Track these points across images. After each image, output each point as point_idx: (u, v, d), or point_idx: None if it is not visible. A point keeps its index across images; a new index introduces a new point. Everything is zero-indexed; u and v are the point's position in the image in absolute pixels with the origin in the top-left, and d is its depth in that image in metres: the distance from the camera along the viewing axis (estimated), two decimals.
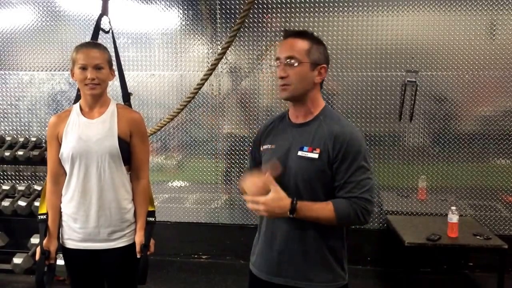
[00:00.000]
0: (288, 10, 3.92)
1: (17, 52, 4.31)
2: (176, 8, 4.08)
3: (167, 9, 4.09)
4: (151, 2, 4.10)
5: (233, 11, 3.99)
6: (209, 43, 4.10)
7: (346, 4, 3.86)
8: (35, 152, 4.05)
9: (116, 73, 2.39)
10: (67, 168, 2.12)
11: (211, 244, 4.29)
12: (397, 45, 3.87)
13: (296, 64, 1.67)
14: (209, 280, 3.86)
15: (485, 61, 3.80)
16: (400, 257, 3.61)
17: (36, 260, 2.18)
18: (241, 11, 3.68)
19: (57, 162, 2.14)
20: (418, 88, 3.86)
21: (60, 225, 2.18)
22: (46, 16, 4.22)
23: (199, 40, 4.11)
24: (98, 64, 2.07)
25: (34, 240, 3.78)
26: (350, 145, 1.65)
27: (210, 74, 3.77)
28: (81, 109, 2.16)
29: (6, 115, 4.39)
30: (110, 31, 2.81)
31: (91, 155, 2.07)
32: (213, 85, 4.13)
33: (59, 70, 4.28)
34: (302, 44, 1.69)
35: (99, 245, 2.14)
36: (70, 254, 2.18)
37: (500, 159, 3.89)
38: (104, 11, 2.94)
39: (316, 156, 1.66)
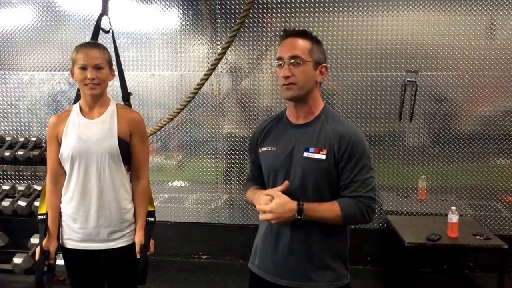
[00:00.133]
0: (288, 10, 3.92)
1: (17, 52, 4.31)
2: (176, 8, 4.08)
3: (167, 9, 4.09)
4: (151, 2, 4.10)
5: (233, 11, 3.99)
6: (209, 43, 4.10)
7: (346, 4, 3.86)
8: (35, 152, 4.05)
9: (116, 73, 2.39)
10: (66, 168, 2.12)
11: (211, 244, 4.29)
12: (397, 45, 3.87)
13: (301, 64, 1.68)
14: (209, 280, 3.86)
15: (485, 61, 3.80)
16: (400, 257, 3.61)
17: (36, 260, 2.18)
18: (241, 11, 3.68)
19: (57, 162, 2.14)
20: (418, 88, 3.86)
21: (60, 225, 2.18)
22: (46, 16, 4.22)
23: (199, 40, 4.11)
24: (98, 64, 2.07)
25: (34, 240, 3.78)
26: (355, 145, 1.67)
27: (210, 74, 3.77)
28: (81, 109, 2.16)
29: (6, 115, 4.39)
30: (110, 31, 2.81)
31: (91, 155, 2.07)
32: (213, 85, 4.13)
33: (59, 70, 4.28)
34: (304, 44, 1.70)
35: (99, 245, 2.14)
36: (69, 254, 2.18)
37: (500, 159, 3.89)
38: (104, 11, 2.94)
39: (323, 157, 1.67)
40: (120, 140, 2.11)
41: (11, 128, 4.39)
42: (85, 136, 2.09)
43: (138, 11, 4.11)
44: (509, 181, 3.91)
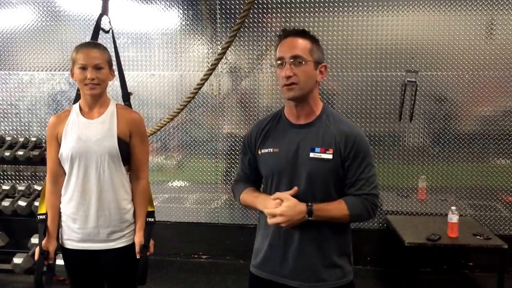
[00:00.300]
0: (288, 10, 3.92)
1: (17, 52, 4.31)
2: (176, 8, 4.08)
3: (167, 9, 4.09)
4: (151, 2, 4.10)
5: (233, 11, 3.99)
6: (209, 43, 4.10)
7: (346, 4, 3.86)
8: (35, 152, 4.06)
9: (116, 73, 2.39)
10: (66, 168, 2.12)
11: (211, 244, 4.29)
12: (397, 45, 3.87)
13: (302, 63, 1.67)
14: (209, 280, 3.86)
15: (485, 61, 3.80)
16: (400, 257, 3.61)
17: (35, 260, 2.18)
18: (241, 11, 3.68)
19: (56, 162, 2.14)
20: (418, 88, 3.86)
21: (59, 225, 2.18)
22: (46, 16, 4.22)
23: (199, 40, 4.11)
24: (98, 64, 2.07)
25: (34, 240, 3.78)
26: (360, 144, 1.71)
27: (210, 74, 3.77)
28: (80, 109, 2.16)
29: (6, 115, 4.39)
30: (110, 31, 2.80)
31: (91, 156, 2.07)
32: (213, 85, 4.13)
33: (59, 70, 4.28)
34: (304, 43, 1.70)
35: (99, 245, 2.14)
36: (69, 254, 2.18)
37: (500, 159, 3.89)
38: (104, 11, 2.94)
39: (330, 156, 1.68)
40: (120, 140, 2.11)
41: (11, 128, 4.39)
42: (85, 136, 2.09)
43: (138, 11, 4.11)
44: (509, 181, 3.91)
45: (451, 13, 3.78)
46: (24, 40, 4.28)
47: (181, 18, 4.09)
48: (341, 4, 3.87)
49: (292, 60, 1.67)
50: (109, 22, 2.86)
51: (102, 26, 2.87)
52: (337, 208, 1.68)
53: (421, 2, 3.79)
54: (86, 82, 2.06)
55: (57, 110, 4.24)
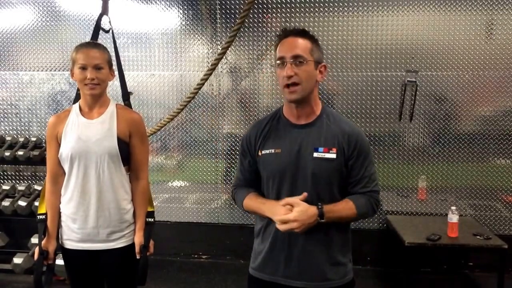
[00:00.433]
0: (288, 10, 3.92)
1: (17, 52, 4.31)
2: (176, 8, 4.08)
3: (167, 9, 4.09)
4: (151, 2, 4.10)
5: (233, 11, 3.99)
6: (209, 43, 4.10)
7: (346, 4, 3.86)
8: (35, 152, 4.06)
9: (116, 73, 2.38)
10: (66, 168, 2.11)
11: (211, 244, 4.29)
12: (397, 45, 3.87)
13: (303, 63, 1.67)
14: (209, 280, 3.86)
15: (485, 61, 3.80)
16: (400, 257, 3.61)
17: (35, 260, 2.18)
18: (241, 11, 3.68)
19: (56, 162, 2.13)
20: (418, 88, 3.86)
21: (59, 225, 2.18)
22: (46, 16, 4.22)
23: (199, 40, 4.11)
24: (97, 64, 2.07)
25: (34, 240, 3.78)
26: (362, 143, 1.74)
27: (210, 74, 3.77)
28: (80, 109, 2.16)
29: (6, 115, 4.39)
30: (110, 30, 2.80)
31: (90, 156, 2.07)
32: (213, 85, 4.13)
33: (59, 70, 4.28)
34: (305, 43, 1.70)
35: (98, 245, 2.13)
36: (69, 254, 2.18)
37: (500, 159, 3.88)
38: (105, 11, 2.94)
39: (334, 156, 1.69)
40: (120, 140, 2.11)
41: (11, 128, 4.39)
42: (85, 136, 2.08)
43: (138, 11, 4.11)
44: (509, 181, 3.91)
45: (451, 13, 3.78)
46: (24, 40, 4.28)
47: (181, 18, 4.09)
48: (341, 4, 3.87)
49: (293, 60, 1.67)
50: (109, 22, 2.86)
51: (102, 26, 2.87)
52: (346, 208, 1.70)
53: (421, 2, 3.79)
54: (86, 82, 2.06)
55: (57, 110, 4.24)
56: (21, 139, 4.19)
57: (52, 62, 4.28)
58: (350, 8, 3.87)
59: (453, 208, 3.35)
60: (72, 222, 2.13)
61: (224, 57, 3.86)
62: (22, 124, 4.38)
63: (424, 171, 3.96)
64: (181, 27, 4.11)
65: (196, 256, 4.30)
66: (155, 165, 4.27)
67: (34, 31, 4.25)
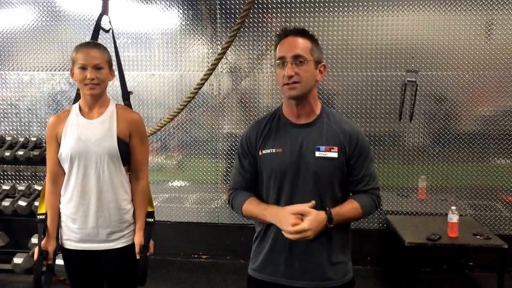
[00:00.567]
0: (288, 10, 3.92)
1: (17, 52, 4.31)
2: (176, 8, 4.08)
3: (167, 9, 4.09)
4: (151, 2, 4.10)
5: (233, 11, 3.99)
6: (209, 43, 4.10)
7: (346, 4, 3.86)
8: (35, 152, 4.06)
9: (116, 72, 2.38)
10: (66, 168, 2.11)
11: (211, 244, 4.29)
12: (397, 45, 3.87)
13: (304, 63, 1.68)
14: (209, 280, 3.86)
15: (485, 61, 3.80)
16: (400, 257, 3.61)
17: (34, 260, 2.18)
18: (241, 11, 3.68)
19: (56, 162, 2.13)
20: (418, 88, 3.86)
21: (59, 225, 2.17)
22: (46, 16, 4.22)
23: (199, 40, 4.11)
24: (97, 64, 2.06)
25: (35, 240, 3.78)
26: (363, 142, 1.76)
27: (210, 74, 3.77)
28: (80, 109, 2.16)
29: (6, 115, 4.39)
30: (110, 30, 2.80)
31: (90, 156, 2.07)
32: (213, 85, 4.13)
33: (59, 70, 4.28)
34: (305, 43, 1.70)
35: (98, 245, 2.13)
36: (69, 254, 2.18)
37: (500, 159, 3.88)
38: (105, 11, 2.94)
39: (335, 155, 1.71)
40: (120, 140, 2.11)
41: (11, 128, 4.39)
42: (84, 136, 2.08)
43: (138, 11, 4.11)
44: (509, 181, 3.91)
45: (451, 13, 3.78)
46: (24, 40, 4.28)
47: (181, 18, 4.09)
48: (341, 4, 3.87)
49: (293, 60, 1.67)
50: (109, 21, 2.85)
51: (102, 25, 2.87)
52: (352, 209, 1.73)
53: (421, 2, 3.79)
54: (86, 82, 2.06)
55: (57, 110, 4.24)
56: (21, 139, 4.20)
57: (52, 62, 4.28)
58: (350, 8, 3.87)
59: (453, 208, 3.35)
60: (72, 222, 2.13)
61: (224, 57, 3.87)
62: (22, 124, 4.38)
63: (424, 171, 3.96)
64: (181, 27, 4.11)
65: (196, 256, 4.30)
66: (155, 165, 4.27)
67: (34, 31, 4.25)
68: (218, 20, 4.04)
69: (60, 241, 2.19)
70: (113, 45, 2.71)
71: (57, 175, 2.15)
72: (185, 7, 4.06)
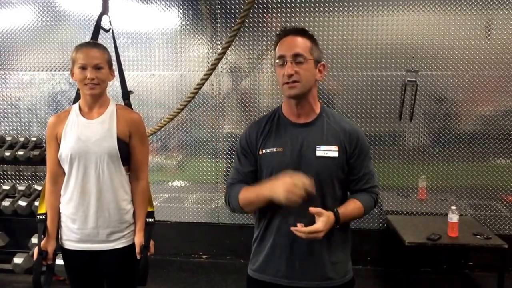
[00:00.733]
0: (288, 10, 3.92)
1: (17, 52, 4.31)
2: (176, 8, 4.08)
3: (167, 9, 4.09)
4: (151, 2, 4.10)
5: (233, 11, 3.99)
6: (209, 43, 4.10)
7: (346, 4, 3.86)
8: (35, 152, 4.06)
9: (116, 72, 2.38)
10: (65, 168, 2.11)
11: (211, 244, 4.29)
12: (397, 45, 3.87)
13: (303, 62, 1.68)
14: (209, 280, 3.86)
15: (485, 61, 3.80)
16: (400, 257, 3.61)
17: (34, 260, 2.17)
18: (241, 11, 3.68)
19: (56, 162, 2.13)
20: (418, 87, 3.86)
21: (59, 226, 2.17)
22: (46, 16, 4.22)
23: (199, 40, 4.11)
24: (97, 64, 2.06)
25: (35, 240, 3.77)
26: (362, 142, 1.78)
27: (210, 74, 3.77)
28: (80, 109, 2.15)
29: (6, 115, 4.39)
30: (111, 30, 2.80)
31: (90, 156, 2.07)
32: (213, 85, 4.13)
33: (59, 70, 4.28)
34: (305, 42, 1.70)
35: (98, 246, 2.13)
36: (68, 255, 2.18)
37: (500, 158, 3.88)
38: (105, 10, 2.94)
39: (335, 154, 1.72)
40: (119, 140, 2.11)
41: (11, 128, 4.39)
42: (84, 136, 2.08)
43: (138, 11, 4.11)
44: (509, 181, 3.91)
45: (451, 13, 3.78)
46: (24, 40, 4.28)
47: (181, 18, 4.09)
48: (341, 4, 3.87)
49: (293, 59, 1.67)
50: (109, 21, 2.85)
51: (102, 25, 2.86)
52: (355, 208, 1.75)
53: (421, 2, 3.79)
54: (86, 82, 2.06)
55: (57, 110, 4.24)
56: (21, 139, 4.20)
57: (52, 62, 4.28)
58: (350, 8, 3.87)
59: (453, 207, 3.35)
60: (71, 223, 2.13)
61: (224, 57, 3.87)
62: (22, 124, 4.38)
63: (424, 171, 3.96)
64: (181, 27, 4.11)
65: (196, 256, 4.30)
66: (155, 165, 4.27)
67: (34, 31, 4.25)
68: (218, 20, 4.04)
69: (60, 241, 2.18)
70: (113, 45, 2.71)
71: (57, 175, 2.15)
72: (185, 7, 4.07)
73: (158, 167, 4.29)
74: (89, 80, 2.05)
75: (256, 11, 3.94)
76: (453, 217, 3.32)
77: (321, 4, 3.88)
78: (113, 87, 3.03)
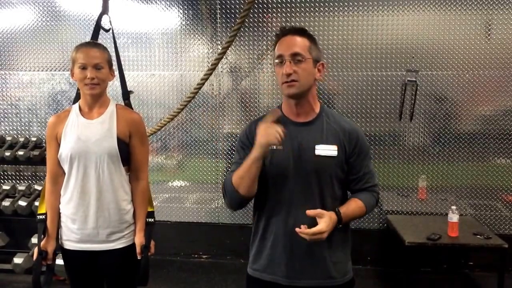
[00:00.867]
0: (288, 10, 3.92)
1: (17, 52, 4.31)
2: (176, 8, 4.08)
3: (167, 9, 4.09)
4: (151, 2, 4.10)
5: (233, 11, 3.99)
6: (209, 43, 4.10)
7: (346, 4, 3.86)
8: (36, 152, 4.06)
9: (116, 72, 2.38)
10: (65, 168, 2.11)
11: (211, 244, 4.29)
12: (397, 45, 3.87)
13: (302, 61, 1.68)
14: (209, 280, 3.86)
15: (485, 61, 3.80)
16: (400, 257, 3.61)
17: (34, 260, 2.17)
18: (241, 11, 3.68)
19: (56, 162, 2.13)
20: (418, 87, 3.86)
21: (59, 226, 2.17)
22: (46, 16, 4.22)
23: (199, 40, 4.11)
24: (97, 63, 2.06)
25: (35, 240, 3.76)
26: (362, 141, 1.78)
27: (210, 74, 3.77)
28: (80, 109, 2.15)
29: (6, 115, 4.39)
30: (111, 30, 2.80)
31: (90, 156, 2.07)
32: (213, 85, 4.13)
33: (59, 70, 4.28)
34: (303, 41, 1.71)
35: (98, 246, 2.13)
36: (68, 255, 2.18)
37: (500, 158, 3.88)
38: (105, 10, 2.93)
39: (335, 153, 1.72)
40: (120, 140, 2.10)
41: (11, 128, 4.39)
42: (84, 136, 2.08)
43: (138, 11, 4.11)
44: (510, 181, 3.91)
45: (451, 13, 3.78)
46: (24, 40, 4.28)
47: (181, 18, 4.09)
48: (341, 4, 3.87)
49: (291, 58, 1.68)
50: (110, 21, 2.85)
51: (102, 25, 2.86)
52: (357, 207, 1.75)
53: (421, 2, 3.79)
54: (86, 81, 2.05)
55: (57, 110, 4.24)
56: (21, 139, 4.20)
57: (52, 62, 4.28)
58: (350, 8, 3.87)
59: (453, 207, 3.35)
60: (71, 223, 2.13)
61: (224, 57, 3.87)
62: (22, 124, 4.38)
63: (424, 171, 3.96)
64: (181, 27, 4.11)
65: (196, 256, 4.30)
66: (155, 165, 4.27)
67: (34, 31, 4.25)
68: (218, 20, 4.04)
69: (60, 242, 2.18)
70: (113, 45, 2.71)
71: (57, 175, 2.15)
72: (185, 7, 4.07)
73: (158, 167, 4.29)
74: (89, 80, 2.05)
75: (256, 11, 3.94)
76: (453, 217, 3.32)
77: (321, 4, 3.88)
78: (113, 87, 3.03)
